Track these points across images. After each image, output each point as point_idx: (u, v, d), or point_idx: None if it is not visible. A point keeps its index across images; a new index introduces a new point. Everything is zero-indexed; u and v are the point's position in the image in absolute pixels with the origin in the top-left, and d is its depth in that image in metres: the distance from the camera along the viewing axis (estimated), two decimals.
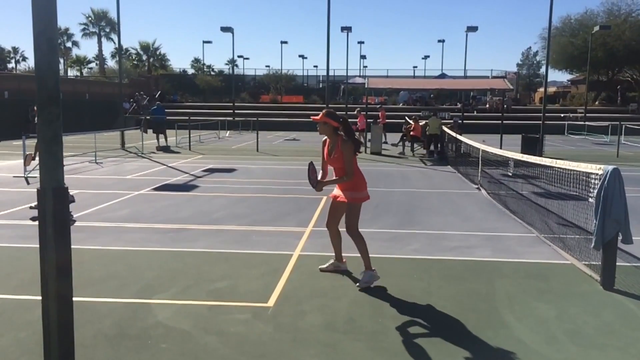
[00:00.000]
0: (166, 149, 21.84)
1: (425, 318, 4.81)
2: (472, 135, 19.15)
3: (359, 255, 5.72)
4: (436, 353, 4.14)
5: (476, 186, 12.47)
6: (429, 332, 4.52)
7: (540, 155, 13.25)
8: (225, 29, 42.35)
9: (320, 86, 60.55)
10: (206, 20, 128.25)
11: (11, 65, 66.75)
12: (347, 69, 48.21)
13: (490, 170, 13.01)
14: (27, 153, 8.73)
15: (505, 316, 4.86)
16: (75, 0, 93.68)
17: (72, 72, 63.44)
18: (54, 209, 2.94)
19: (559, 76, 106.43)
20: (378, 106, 30.97)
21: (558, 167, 7.68)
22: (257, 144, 22.88)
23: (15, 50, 67.75)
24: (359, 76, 57.97)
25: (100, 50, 64.21)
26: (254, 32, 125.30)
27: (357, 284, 5.61)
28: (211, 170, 15.30)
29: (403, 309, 5.00)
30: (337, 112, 5.89)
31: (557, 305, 5.15)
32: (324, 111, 5.69)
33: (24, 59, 68.42)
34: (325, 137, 5.77)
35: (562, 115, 42.20)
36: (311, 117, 5.73)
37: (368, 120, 23.29)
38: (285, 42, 79.68)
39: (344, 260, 6.09)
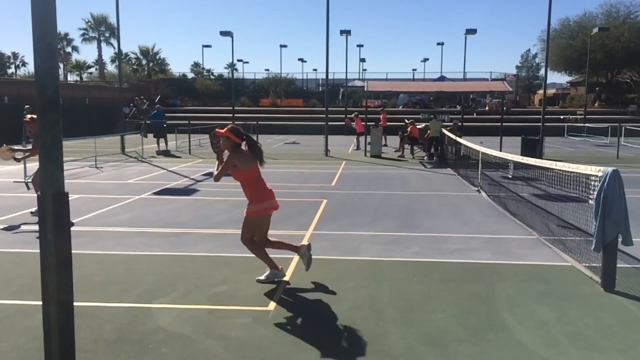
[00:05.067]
0: (166, 153, 21.85)
1: (425, 321, 4.80)
2: (471, 138, 19.15)
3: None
4: (437, 356, 4.14)
5: (476, 189, 12.47)
6: (429, 335, 4.52)
7: (540, 157, 13.26)
8: (224, 33, 42.31)
9: (320, 89, 60.67)
10: (206, 25, 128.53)
11: (11, 70, 66.86)
12: (346, 72, 48.38)
13: (490, 173, 13.02)
14: (18, 149, 8.72)
15: (506, 319, 4.86)
16: (75, 5, 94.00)
17: (71, 77, 63.57)
18: (54, 214, 2.94)
19: (558, 78, 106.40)
20: (379, 109, 30.96)
21: (558, 169, 7.68)
22: None
23: (15, 55, 67.83)
24: (359, 79, 58.04)
25: (99, 55, 64.34)
26: (253, 36, 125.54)
27: (258, 277, 5.89)
28: (211, 174, 15.29)
29: (403, 312, 5.00)
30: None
31: (558, 307, 5.15)
32: (229, 126, 5.76)
33: (24, 64, 68.53)
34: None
35: (561, 117, 42.25)
36: (216, 130, 5.82)
37: (368, 123, 23.30)
38: (285, 46, 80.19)
39: (279, 267, 6.00)
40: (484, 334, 4.53)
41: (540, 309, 5.10)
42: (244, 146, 5.79)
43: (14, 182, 12.97)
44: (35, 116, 8.93)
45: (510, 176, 13.16)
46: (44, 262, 2.98)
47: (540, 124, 20.85)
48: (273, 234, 8.08)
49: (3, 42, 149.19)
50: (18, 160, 9.10)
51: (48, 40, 2.96)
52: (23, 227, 8.37)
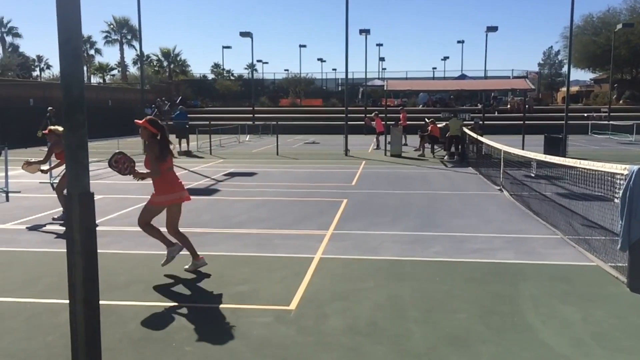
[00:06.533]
0: (188, 154, 22.05)
1: (447, 321, 4.78)
2: (493, 137, 18.97)
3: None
4: (459, 356, 4.11)
5: (498, 187, 12.35)
6: (452, 335, 4.49)
7: (564, 156, 13.07)
8: (244, 34, 42.59)
9: (339, 89, 60.54)
10: (225, 26, 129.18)
11: (36, 73, 68.01)
12: (365, 72, 48.31)
13: (512, 172, 12.87)
14: (34, 160, 8.79)
15: (530, 319, 4.81)
16: (98, 8, 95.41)
17: (94, 79, 64.47)
18: (80, 214, 3.00)
19: (581, 75, 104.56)
20: (399, 108, 30.82)
21: (582, 168, 7.57)
22: (277, 148, 22.97)
23: (39, 58, 68.99)
24: (378, 78, 57.83)
25: (122, 57, 65.10)
26: (272, 37, 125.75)
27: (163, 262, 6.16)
28: (232, 175, 15.41)
29: (425, 312, 4.98)
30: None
31: (583, 307, 5.08)
32: (147, 118, 6.16)
33: (48, 67, 69.69)
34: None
35: (585, 114, 41.56)
36: (135, 120, 6.42)
37: (388, 122, 23.21)
38: (304, 46, 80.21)
39: (199, 257, 6.25)
40: (508, 334, 4.48)
41: (564, 309, 5.03)
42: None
43: (40, 182, 13.22)
44: (52, 127, 9.15)
45: (533, 175, 13.00)
46: (71, 262, 3.04)
47: (563, 121, 20.55)
48: (294, 233, 8.13)
49: (28, 46, 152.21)
50: (44, 172, 9.30)
51: (73, 44, 3.01)
52: (48, 227, 8.52)
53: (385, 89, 24.63)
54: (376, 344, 4.32)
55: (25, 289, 5.66)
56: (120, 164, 5.89)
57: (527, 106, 28.51)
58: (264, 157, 21.55)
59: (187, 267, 6.23)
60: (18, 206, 10.38)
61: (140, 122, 6.09)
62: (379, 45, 62.50)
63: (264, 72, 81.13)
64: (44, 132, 9.64)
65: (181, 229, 6.28)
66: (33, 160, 8.99)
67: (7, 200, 10.95)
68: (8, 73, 49.66)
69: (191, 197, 6.50)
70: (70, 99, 3.01)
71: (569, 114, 21.41)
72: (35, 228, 8.50)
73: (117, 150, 6.22)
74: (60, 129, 8.86)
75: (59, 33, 3.01)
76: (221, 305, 5.17)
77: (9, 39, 61.68)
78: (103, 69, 66.02)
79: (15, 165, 13.73)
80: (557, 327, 4.64)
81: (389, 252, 7.04)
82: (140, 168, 6.01)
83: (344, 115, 24.49)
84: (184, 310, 5.05)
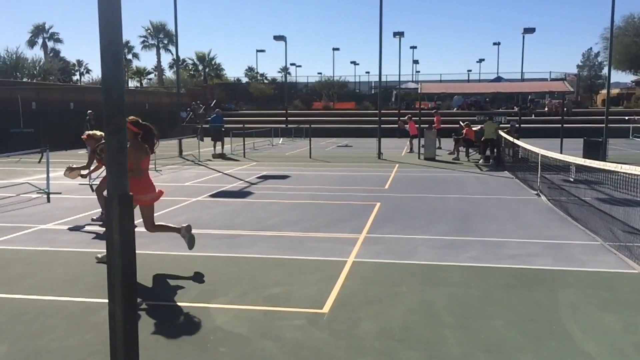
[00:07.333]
0: (222, 157, 22.32)
1: (483, 328, 4.70)
2: (530, 140, 18.60)
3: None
4: None
5: (535, 192, 12.10)
6: (488, 342, 4.41)
7: (604, 160, 12.73)
8: (278, 38, 42.95)
9: (373, 92, 60.37)
10: (259, 30, 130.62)
11: (76, 77, 69.92)
12: (399, 74, 48.10)
13: (550, 176, 12.60)
14: (76, 166, 8.99)
15: (569, 327, 4.69)
16: (136, 13, 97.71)
17: (132, 83, 65.87)
18: (119, 215, 3.06)
19: (622, 77, 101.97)
20: (433, 111, 30.53)
21: (623, 172, 7.35)
22: (310, 151, 23.03)
23: (79, 63, 70.95)
24: (412, 81, 57.45)
25: (158, 61, 66.46)
26: (306, 40, 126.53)
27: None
28: (265, 177, 15.52)
29: (460, 318, 4.91)
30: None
31: (625, 316, 4.92)
32: (129, 118, 6.28)
33: (88, 71, 71.55)
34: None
35: (626, 117, 40.32)
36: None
37: (422, 125, 23.01)
38: (337, 49, 80.00)
39: (181, 228, 6.60)
40: (546, 342, 4.38)
41: (605, 318, 4.89)
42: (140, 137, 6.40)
43: (79, 184, 13.57)
44: (90, 132, 9.37)
45: (571, 179, 12.69)
46: (110, 262, 3.11)
47: (603, 125, 20.02)
48: (327, 236, 8.13)
49: (69, 51, 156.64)
50: (84, 176, 9.51)
51: (114, 49, 3.08)
52: (87, 228, 8.74)
53: (419, 91, 24.43)
54: (410, 350, 4.28)
55: (65, 288, 5.81)
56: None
57: (565, 109, 27.88)
58: (296, 160, 21.63)
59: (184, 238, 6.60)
60: (59, 207, 10.68)
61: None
62: (413, 47, 62.50)
63: (297, 75, 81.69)
64: (82, 137, 9.89)
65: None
66: (75, 166, 9.23)
67: (49, 201, 11.28)
68: (49, 77, 51.20)
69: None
70: (111, 103, 3.08)
71: (609, 117, 20.84)
72: (75, 228, 8.73)
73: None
74: (99, 133, 9.07)
75: (100, 38, 3.08)
76: (255, 307, 5.21)
77: (50, 44, 63.66)
78: (140, 73, 67.47)
79: (56, 167, 14.14)
80: (597, 336, 4.51)
81: (423, 256, 6.97)
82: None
83: (377, 118, 24.39)
84: (219, 312, 5.10)
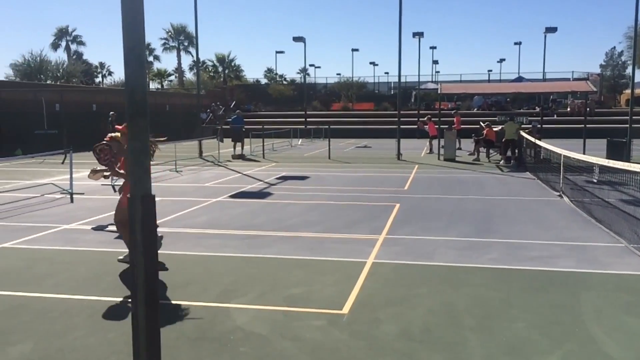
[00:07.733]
0: (242, 157, 22.43)
1: (505, 330, 4.65)
2: (552, 140, 18.36)
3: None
4: None
5: (558, 193, 11.93)
6: (510, 344, 4.37)
7: (628, 161, 12.51)
8: (297, 39, 43.04)
9: (392, 93, 60.19)
10: (279, 31, 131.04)
11: (98, 79, 70.86)
12: (419, 75, 47.66)
13: (573, 177, 12.42)
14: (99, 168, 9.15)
15: (592, 330, 4.62)
16: (156, 16, 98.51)
17: (153, 85, 66.56)
18: (142, 215, 3.09)
19: None
20: (453, 111, 30.32)
21: None
22: (329, 152, 23.03)
23: (102, 65, 71.89)
24: (431, 81, 57.12)
25: (179, 63, 67.04)
26: (325, 41, 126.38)
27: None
28: (284, 178, 15.56)
29: (481, 320, 4.87)
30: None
31: None
32: (125, 124, 6.36)
33: (110, 73, 72.45)
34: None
35: None
36: (116, 125, 6.85)
37: (442, 126, 22.86)
38: (356, 50, 79.76)
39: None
40: (569, 346, 4.32)
41: (630, 321, 4.80)
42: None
43: (102, 185, 13.75)
44: (112, 135, 9.46)
45: (595, 180, 12.50)
46: (134, 262, 3.14)
47: (627, 125, 19.67)
48: (346, 237, 8.13)
49: (91, 53, 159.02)
50: (107, 177, 9.62)
51: (137, 51, 3.11)
52: (110, 228, 8.85)
53: (439, 92, 24.29)
54: (430, 351, 4.26)
55: (88, 287, 5.90)
56: (103, 154, 6.43)
57: (588, 109, 27.47)
58: (316, 160, 21.65)
59: (121, 258, 6.53)
60: (82, 207, 10.84)
61: (121, 127, 6.57)
62: (433, 48, 61.82)
63: (316, 76, 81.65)
64: (105, 138, 9.99)
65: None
66: (98, 168, 9.37)
67: (72, 201, 11.45)
68: (72, 79, 51.97)
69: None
70: (134, 104, 3.12)
71: (634, 117, 20.47)
72: (98, 229, 8.85)
73: (106, 142, 6.69)
74: (119, 134, 9.18)
75: (124, 41, 3.12)
76: (275, 307, 5.22)
77: (73, 46, 64.65)
78: (161, 75, 68.15)
79: (79, 168, 14.35)
80: (621, 339, 4.43)
81: (443, 257, 6.92)
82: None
83: (396, 119, 24.31)
84: (239, 312, 5.13)
